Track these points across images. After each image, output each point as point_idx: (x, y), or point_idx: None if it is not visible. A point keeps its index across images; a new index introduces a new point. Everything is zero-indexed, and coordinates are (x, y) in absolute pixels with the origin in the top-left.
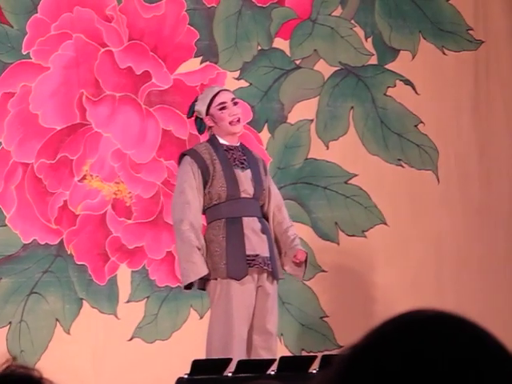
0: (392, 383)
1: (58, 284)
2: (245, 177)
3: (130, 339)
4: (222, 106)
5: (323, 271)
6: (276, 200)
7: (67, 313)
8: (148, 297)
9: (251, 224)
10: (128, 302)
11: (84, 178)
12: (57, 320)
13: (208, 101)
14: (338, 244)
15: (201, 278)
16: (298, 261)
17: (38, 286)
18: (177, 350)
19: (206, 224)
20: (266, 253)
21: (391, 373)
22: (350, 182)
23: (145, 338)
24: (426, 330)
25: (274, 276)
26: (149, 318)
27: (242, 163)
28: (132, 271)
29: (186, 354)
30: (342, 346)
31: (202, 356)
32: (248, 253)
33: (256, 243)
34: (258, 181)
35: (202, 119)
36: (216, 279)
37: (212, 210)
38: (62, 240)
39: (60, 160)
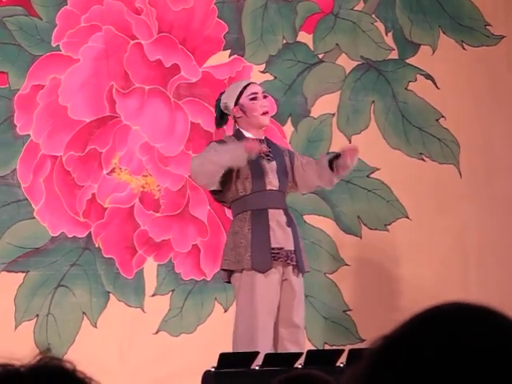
0: (426, 371)
1: (86, 277)
2: (270, 168)
3: (156, 332)
4: (253, 96)
5: (346, 265)
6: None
7: (94, 306)
8: (173, 290)
9: (276, 216)
10: (153, 295)
11: (113, 170)
12: (84, 313)
13: (238, 91)
14: (361, 238)
15: (226, 270)
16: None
17: (66, 278)
18: (202, 343)
19: (232, 217)
20: (290, 246)
21: (425, 360)
22: (371, 175)
23: (170, 331)
24: (456, 319)
25: (299, 269)
26: (174, 311)
27: (268, 155)
28: (158, 264)
29: (210, 347)
30: (364, 340)
31: (227, 349)
32: (273, 246)
33: (280, 236)
34: (283, 172)
35: (224, 114)
36: (241, 272)
37: (238, 203)
38: (89, 233)
39: (89, 153)
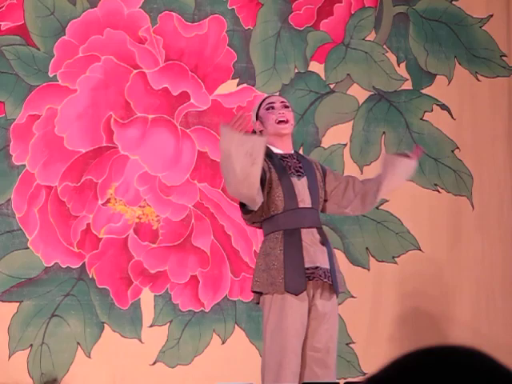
0: None
1: (80, 307)
2: (302, 185)
3: (153, 363)
4: (269, 105)
5: (352, 297)
6: (344, 181)
7: (88, 336)
8: (171, 321)
9: (310, 235)
10: (151, 326)
11: (108, 201)
12: (78, 343)
13: (258, 105)
14: (369, 270)
15: (257, 292)
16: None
17: (60, 309)
18: (199, 375)
19: (263, 236)
20: (326, 264)
21: None
22: (381, 207)
23: (167, 362)
24: (442, 362)
25: (334, 289)
26: (171, 342)
27: (298, 171)
28: (155, 295)
29: (207, 379)
30: (366, 373)
31: (224, 380)
32: (307, 265)
33: (315, 255)
34: (314, 189)
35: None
36: (272, 294)
37: (269, 222)
38: (83, 263)
39: (84, 183)
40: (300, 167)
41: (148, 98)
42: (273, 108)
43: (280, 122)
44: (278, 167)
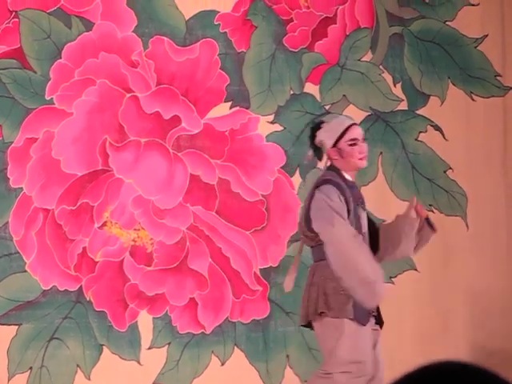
0: None
1: (78, 330)
2: (363, 217)
3: None
4: (353, 142)
5: None
6: None
7: (87, 359)
8: (169, 343)
9: None
10: (150, 348)
11: (104, 224)
12: (77, 366)
13: (338, 134)
14: None
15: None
16: (423, 216)
17: (59, 331)
18: None
19: (316, 260)
20: None
21: None
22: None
23: (167, 383)
24: (449, 378)
25: (379, 321)
26: (170, 364)
27: (362, 202)
28: (153, 318)
29: None
30: None
31: None
32: None
33: None
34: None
35: (320, 148)
36: (342, 319)
37: None
38: (81, 286)
39: (81, 206)
40: (362, 198)
41: (141, 122)
42: (356, 145)
43: (362, 158)
44: (351, 197)
